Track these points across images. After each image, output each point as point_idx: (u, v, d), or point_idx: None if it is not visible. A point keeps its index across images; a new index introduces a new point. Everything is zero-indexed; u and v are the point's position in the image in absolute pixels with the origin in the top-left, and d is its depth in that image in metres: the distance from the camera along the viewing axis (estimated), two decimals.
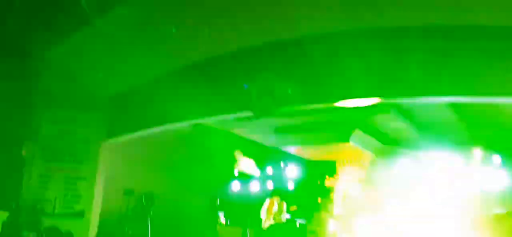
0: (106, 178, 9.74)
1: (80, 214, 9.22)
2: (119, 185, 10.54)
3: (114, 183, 10.09)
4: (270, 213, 10.16)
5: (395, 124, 9.94)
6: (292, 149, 12.44)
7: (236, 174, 13.43)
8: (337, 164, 13.21)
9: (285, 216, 10.26)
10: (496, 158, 9.99)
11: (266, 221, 10.20)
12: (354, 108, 8.80)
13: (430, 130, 10.06)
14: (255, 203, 11.43)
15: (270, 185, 13.03)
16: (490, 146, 9.93)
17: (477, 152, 10.09)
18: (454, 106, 8.65)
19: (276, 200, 10.28)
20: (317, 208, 11.37)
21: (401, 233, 10.18)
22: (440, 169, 10.63)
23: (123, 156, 10.39)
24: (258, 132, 11.38)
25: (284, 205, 10.35)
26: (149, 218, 10.13)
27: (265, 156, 12.93)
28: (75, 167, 9.38)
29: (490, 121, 9.27)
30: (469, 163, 10.28)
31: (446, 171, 10.57)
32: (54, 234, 3.69)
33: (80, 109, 9.58)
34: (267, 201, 10.45)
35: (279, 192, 10.60)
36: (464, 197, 9.94)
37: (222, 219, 10.30)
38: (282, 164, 13.03)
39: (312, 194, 13.22)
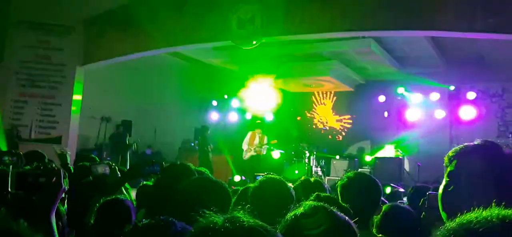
0: (82, 104, 9.62)
1: (57, 140, 9.15)
2: (96, 112, 10.47)
3: (91, 110, 10.01)
4: (252, 145, 10.36)
5: (374, 57, 9.97)
6: (272, 80, 12.43)
7: (215, 104, 13.48)
8: (315, 97, 13.36)
9: (266, 148, 10.46)
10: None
11: (247, 152, 10.40)
12: (334, 40, 8.80)
13: (410, 64, 10.16)
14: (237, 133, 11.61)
15: (249, 116, 13.13)
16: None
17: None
18: (433, 39, 8.71)
19: (257, 132, 10.45)
20: (295, 139, 11.56)
21: None
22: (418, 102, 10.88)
23: (100, 83, 10.24)
24: (237, 63, 11.29)
25: (265, 138, 10.52)
26: (128, 146, 10.20)
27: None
28: (50, 92, 9.20)
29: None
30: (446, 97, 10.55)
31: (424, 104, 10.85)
32: (35, 157, 3.65)
33: (54, 33, 9.25)
34: (249, 133, 10.61)
35: (261, 125, 10.74)
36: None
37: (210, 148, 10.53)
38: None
39: (290, 125, 13.44)
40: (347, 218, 1.36)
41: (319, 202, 1.41)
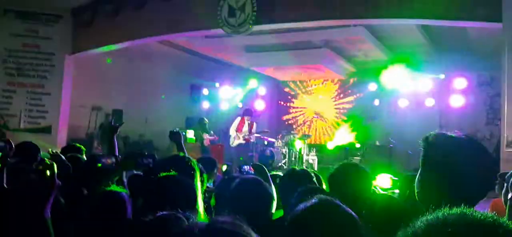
0: (72, 93, 9.53)
1: (47, 130, 9.08)
2: (87, 101, 10.39)
3: (81, 99, 9.93)
4: (240, 131, 10.21)
5: (365, 46, 9.98)
6: (262, 69, 12.42)
7: (206, 93, 13.44)
8: (308, 86, 13.36)
9: (255, 135, 10.34)
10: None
11: (235, 139, 10.24)
12: (325, 28, 8.79)
13: (401, 53, 10.17)
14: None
15: (240, 104, 13.11)
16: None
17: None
18: (424, 28, 8.74)
19: (246, 119, 10.28)
20: (286, 128, 11.57)
21: None
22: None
23: (90, 72, 10.15)
24: (229, 51, 11.24)
25: (254, 125, 10.39)
26: (115, 136, 10.10)
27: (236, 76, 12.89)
28: (39, 82, 9.10)
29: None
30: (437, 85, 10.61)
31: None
32: (28, 148, 3.61)
33: (42, 22, 9.12)
34: (237, 119, 10.42)
35: (250, 112, 10.63)
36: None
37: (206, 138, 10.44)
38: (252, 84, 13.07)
39: (282, 114, 13.47)
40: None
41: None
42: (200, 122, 10.69)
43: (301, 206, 1.38)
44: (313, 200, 1.38)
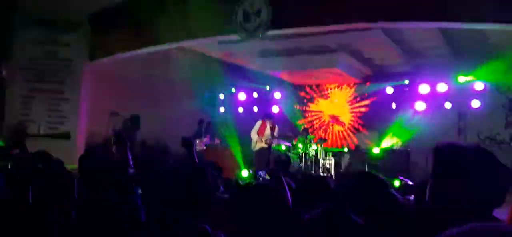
0: (90, 100, 9.67)
1: (66, 135, 9.22)
2: (104, 107, 10.50)
3: (99, 105, 10.04)
4: (262, 135, 10.09)
5: (383, 49, 9.91)
6: (278, 73, 12.42)
7: (222, 98, 13.48)
8: (324, 89, 13.31)
9: (276, 139, 10.24)
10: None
11: (257, 143, 10.11)
12: (342, 32, 8.74)
13: (417, 55, 10.08)
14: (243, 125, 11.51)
15: (255, 109, 13.13)
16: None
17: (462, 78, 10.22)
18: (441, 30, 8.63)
19: (268, 123, 10.15)
20: (303, 132, 11.49)
21: None
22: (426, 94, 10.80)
23: (108, 78, 10.27)
24: (244, 56, 11.27)
25: (276, 128, 10.25)
26: (127, 144, 10.16)
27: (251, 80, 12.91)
28: (58, 88, 9.25)
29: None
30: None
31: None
32: (42, 155, 3.67)
33: (61, 29, 9.28)
34: (259, 122, 10.31)
35: (271, 115, 10.55)
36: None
37: (216, 142, 10.43)
38: (268, 88, 13.07)
39: (297, 118, 13.43)
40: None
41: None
42: (198, 125, 10.66)
43: (308, 215, 1.38)
44: (321, 209, 1.39)
